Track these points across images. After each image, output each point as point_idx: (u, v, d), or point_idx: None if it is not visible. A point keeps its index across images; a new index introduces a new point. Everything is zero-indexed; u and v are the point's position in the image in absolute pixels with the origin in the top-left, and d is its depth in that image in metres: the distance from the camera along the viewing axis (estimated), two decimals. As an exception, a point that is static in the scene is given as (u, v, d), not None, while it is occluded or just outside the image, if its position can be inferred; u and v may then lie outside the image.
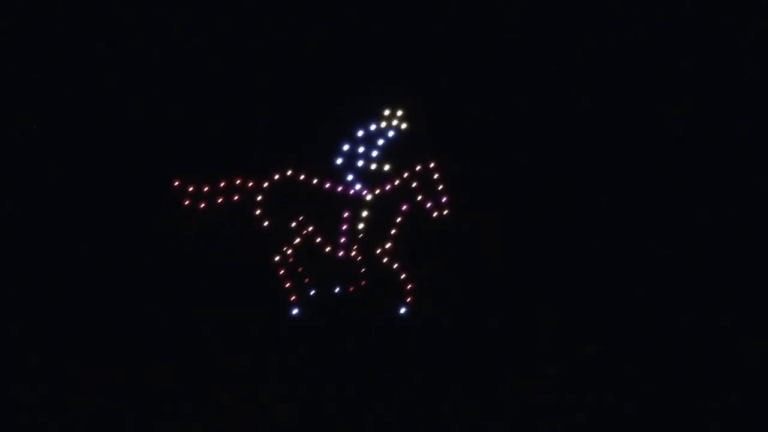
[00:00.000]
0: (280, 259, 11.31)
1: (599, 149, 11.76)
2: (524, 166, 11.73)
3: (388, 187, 11.29)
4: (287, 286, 11.31)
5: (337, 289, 11.40)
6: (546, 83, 11.83)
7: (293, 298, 11.33)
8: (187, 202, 11.33)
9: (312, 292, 11.41)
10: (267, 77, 11.79)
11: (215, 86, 11.78)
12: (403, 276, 11.37)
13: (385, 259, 11.33)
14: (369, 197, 11.26)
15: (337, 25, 11.82)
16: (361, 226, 11.27)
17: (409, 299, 11.38)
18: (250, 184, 11.34)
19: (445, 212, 11.27)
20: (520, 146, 11.77)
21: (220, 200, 11.33)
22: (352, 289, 11.38)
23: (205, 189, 11.34)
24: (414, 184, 11.26)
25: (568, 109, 11.81)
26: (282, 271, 11.33)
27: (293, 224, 11.32)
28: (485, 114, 11.77)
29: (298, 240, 11.34)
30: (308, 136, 11.55)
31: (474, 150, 11.72)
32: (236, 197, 11.33)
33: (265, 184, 11.33)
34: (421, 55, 11.82)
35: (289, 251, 11.31)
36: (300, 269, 11.36)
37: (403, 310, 11.37)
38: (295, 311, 11.33)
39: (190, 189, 11.33)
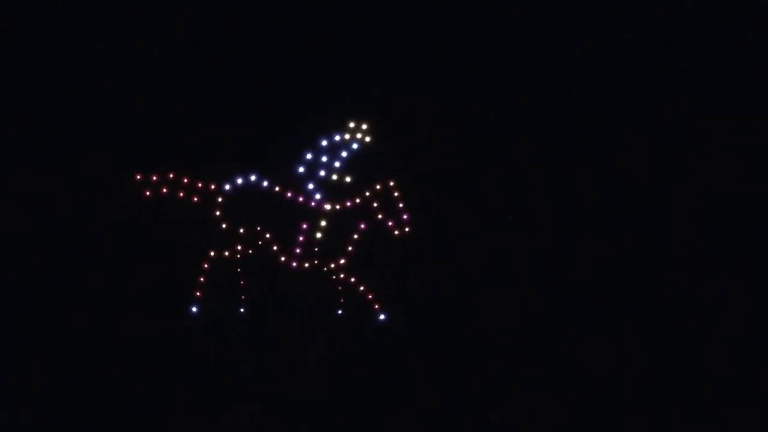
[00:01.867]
0: (215, 256, 11.29)
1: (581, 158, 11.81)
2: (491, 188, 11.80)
3: (348, 203, 11.28)
4: (201, 280, 11.29)
5: (339, 311, 11.44)
6: (523, 103, 11.88)
7: (198, 293, 11.32)
8: (148, 193, 11.33)
9: (241, 310, 11.44)
10: (239, 83, 11.79)
11: (186, 89, 11.80)
12: (362, 288, 11.38)
13: (342, 275, 11.35)
14: (328, 207, 11.24)
15: (302, 36, 11.85)
16: (318, 235, 11.25)
17: (377, 305, 11.39)
18: (212, 186, 11.33)
19: (407, 230, 11.28)
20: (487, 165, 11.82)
21: (180, 194, 11.33)
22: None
23: (170, 175, 11.33)
24: (375, 204, 11.28)
25: (573, 103, 11.86)
26: (206, 266, 11.31)
27: (250, 230, 11.31)
28: (451, 129, 11.82)
29: (251, 246, 11.34)
30: (275, 143, 11.55)
31: (439, 166, 11.78)
32: (196, 198, 11.32)
33: (227, 187, 11.31)
34: (385, 70, 11.84)
35: (237, 256, 11.32)
36: (241, 282, 11.39)
37: (382, 317, 11.38)
38: (194, 309, 11.31)
39: (154, 178, 11.33)
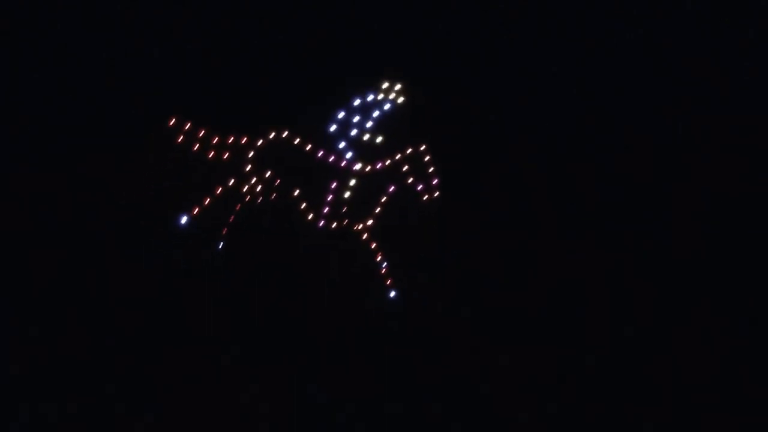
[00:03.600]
0: (232, 185, 11.20)
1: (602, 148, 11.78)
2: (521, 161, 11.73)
3: (378, 165, 11.22)
4: (206, 201, 11.18)
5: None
6: (557, 72, 11.84)
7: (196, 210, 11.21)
8: (180, 139, 11.25)
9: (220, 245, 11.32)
10: (274, 39, 11.70)
11: (221, 40, 11.71)
12: (379, 258, 11.33)
13: (364, 236, 11.29)
14: (358, 167, 11.20)
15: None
16: (347, 195, 11.20)
17: (388, 281, 11.33)
18: (244, 140, 11.27)
19: (436, 195, 11.23)
20: (521, 138, 11.76)
21: (211, 153, 11.27)
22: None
23: (201, 133, 11.26)
24: (405, 167, 11.24)
25: (573, 103, 11.84)
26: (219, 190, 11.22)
27: (277, 186, 11.27)
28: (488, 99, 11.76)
29: (276, 202, 11.30)
30: (310, 101, 11.46)
31: (470, 135, 11.71)
32: (227, 151, 11.25)
33: (259, 142, 11.26)
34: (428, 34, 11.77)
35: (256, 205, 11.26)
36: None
37: (392, 294, 11.32)
38: (183, 219, 11.16)
39: (186, 127, 11.26)
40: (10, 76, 11.76)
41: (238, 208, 11.24)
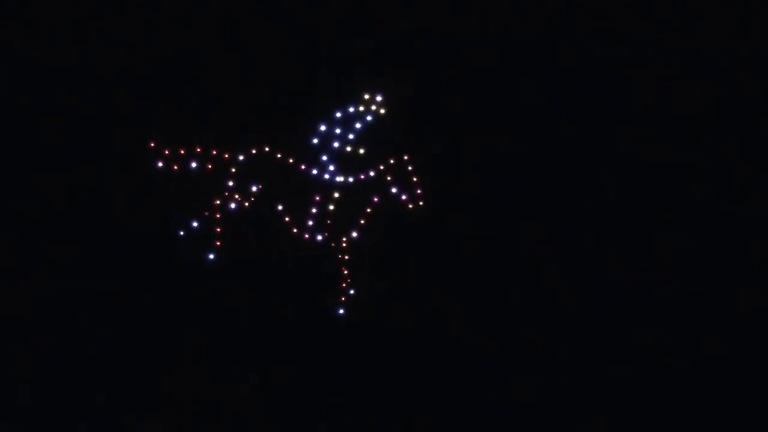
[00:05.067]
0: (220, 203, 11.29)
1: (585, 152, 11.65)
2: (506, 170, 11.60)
3: (362, 176, 11.26)
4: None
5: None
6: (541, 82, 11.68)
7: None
8: (160, 164, 11.29)
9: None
10: (253, 53, 11.63)
11: (201, 57, 11.63)
12: (345, 272, 11.37)
13: (346, 248, 11.32)
14: (341, 179, 11.22)
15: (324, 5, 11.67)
16: (331, 207, 11.24)
17: (342, 298, 11.35)
18: (226, 156, 11.31)
19: (420, 204, 11.21)
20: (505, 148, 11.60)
21: (193, 164, 11.30)
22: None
23: (181, 152, 11.30)
24: (388, 178, 11.25)
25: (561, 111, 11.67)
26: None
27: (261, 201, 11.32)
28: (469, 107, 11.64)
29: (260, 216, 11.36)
30: (289, 115, 11.46)
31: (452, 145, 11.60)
32: (210, 166, 11.28)
33: (240, 157, 11.31)
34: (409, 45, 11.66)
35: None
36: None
37: (341, 311, 11.34)
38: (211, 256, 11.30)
39: (166, 152, 11.30)
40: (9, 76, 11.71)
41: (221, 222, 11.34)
